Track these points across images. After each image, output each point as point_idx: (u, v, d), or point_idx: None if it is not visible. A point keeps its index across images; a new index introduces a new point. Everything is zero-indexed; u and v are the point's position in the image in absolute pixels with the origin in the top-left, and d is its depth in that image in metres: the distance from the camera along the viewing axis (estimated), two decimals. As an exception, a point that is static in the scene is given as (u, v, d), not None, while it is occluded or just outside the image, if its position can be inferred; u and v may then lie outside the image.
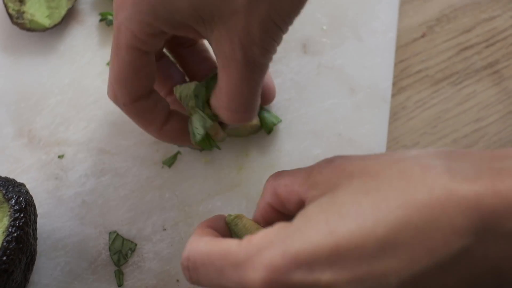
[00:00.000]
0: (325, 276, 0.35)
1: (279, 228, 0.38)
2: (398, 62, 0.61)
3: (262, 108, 0.58)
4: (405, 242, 0.34)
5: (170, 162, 0.58)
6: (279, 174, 0.44)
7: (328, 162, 0.41)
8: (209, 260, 0.39)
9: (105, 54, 0.60)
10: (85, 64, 0.60)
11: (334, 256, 0.35)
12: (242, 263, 0.37)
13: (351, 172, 0.39)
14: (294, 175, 0.42)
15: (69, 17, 0.61)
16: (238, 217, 0.45)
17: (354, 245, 0.35)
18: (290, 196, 0.42)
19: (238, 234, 0.45)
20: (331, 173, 0.40)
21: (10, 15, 0.59)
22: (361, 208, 0.36)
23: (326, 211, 0.37)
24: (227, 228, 0.46)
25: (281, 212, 0.44)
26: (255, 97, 0.46)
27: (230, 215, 0.45)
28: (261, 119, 0.58)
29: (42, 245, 0.55)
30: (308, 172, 0.41)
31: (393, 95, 0.60)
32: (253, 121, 0.57)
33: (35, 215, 0.52)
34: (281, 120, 0.58)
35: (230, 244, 0.39)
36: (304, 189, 0.41)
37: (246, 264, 0.37)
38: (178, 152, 0.58)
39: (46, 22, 0.60)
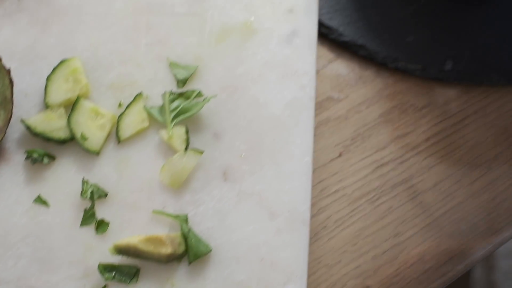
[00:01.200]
0: None
1: None
2: (316, 183, 0.64)
3: (192, 235, 0.60)
4: None
5: (97, 297, 0.59)
6: None
7: None
8: None
9: (31, 191, 0.62)
10: (12, 203, 0.62)
11: None
12: None
13: None
14: None
15: (-4, 156, 0.63)
16: None
17: None
18: None
19: None
20: None
21: None
22: None
23: None
24: None
25: None
26: None
27: None
28: (190, 246, 0.59)
29: None
30: None
31: (313, 216, 0.63)
32: (168, 250, 0.58)
33: None
34: (211, 250, 0.60)
35: None
36: None
37: None
38: (105, 286, 0.59)
39: (-26, 163, 0.62)
